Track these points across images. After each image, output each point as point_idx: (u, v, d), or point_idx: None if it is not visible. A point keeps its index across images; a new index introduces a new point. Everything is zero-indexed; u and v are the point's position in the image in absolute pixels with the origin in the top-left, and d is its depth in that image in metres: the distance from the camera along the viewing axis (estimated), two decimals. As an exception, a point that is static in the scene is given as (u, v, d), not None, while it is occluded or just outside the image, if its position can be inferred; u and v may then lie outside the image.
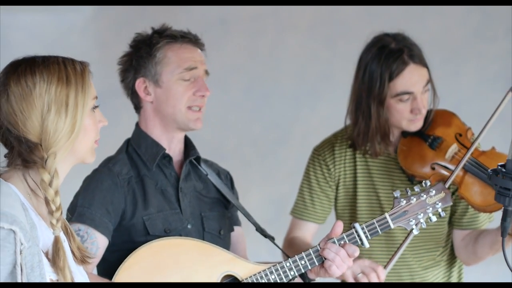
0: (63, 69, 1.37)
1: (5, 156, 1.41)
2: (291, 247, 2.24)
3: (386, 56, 2.13)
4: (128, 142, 2.00)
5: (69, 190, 1.80)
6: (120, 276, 1.76)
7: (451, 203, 1.90)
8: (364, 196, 2.26)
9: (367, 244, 1.81)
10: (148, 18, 3.26)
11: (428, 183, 1.85)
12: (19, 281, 1.27)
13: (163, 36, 1.94)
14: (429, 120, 2.20)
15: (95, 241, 1.81)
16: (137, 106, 1.99)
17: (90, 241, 1.80)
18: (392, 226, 1.83)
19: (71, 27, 3.61)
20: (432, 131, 2.19)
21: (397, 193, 1.84)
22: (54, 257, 1.34)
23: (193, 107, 1.93)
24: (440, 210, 1.84)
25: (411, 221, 1.82)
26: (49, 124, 1.34)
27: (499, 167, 1.49)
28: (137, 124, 2.00)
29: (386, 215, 1.82)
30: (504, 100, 2.04)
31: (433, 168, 2.15)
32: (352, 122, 2.23)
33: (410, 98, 2.14)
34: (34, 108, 1.34)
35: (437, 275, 2.26)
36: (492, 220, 2.25)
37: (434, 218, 1.85)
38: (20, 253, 1.28)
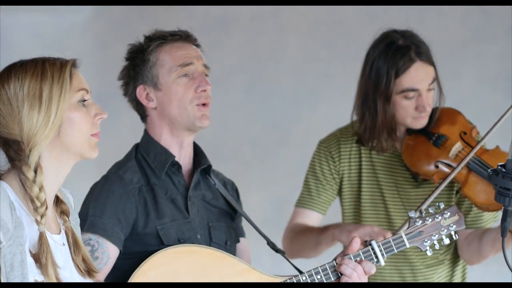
0: (39, 66, 1.38)
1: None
2: (294, 232, 2.23)
3: (393, 53, 2.13)
4: (136, 147, 1.96)
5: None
6: (135, 281, 1.74)
7: (464, 227, 1.90)
8: (368, 192, 2.26)
9: (382, 262, 1.81)
10: (148, 18, 3.27)
11: (442, 205, 1.85)
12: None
13: (153, 39, 1.91)
14: (434, 118, 2.20)
15: (106, 251, 1.77)
16: (143, 115, 1.95)
17: (101, 251, 1.77)
18: (407, 245, 1.83)
19: (71, 27, 3.61)
20: (437, 129, 2.20)
21: (412, 213, 1.85)
22: (39, 253, 1.34)
23: (198, 104, 1.89)
24: (453, 232, 1.85)
25: (426, 241, 1.84)
26: (25, 119, 1.35)
27: (499, 167, 1.49)
28: (146, 131, 1.96)
29: (402, 234, 1.83)
30: (510, 110, 2.05)
31: (436, 166, 2.15)
32: (359, 118, 2.23)
33: (415, 95, 2.14)
34: (10, 108, 1.36)
35: (440, 274, 2.26)
36: (497, 220, 2.25)
37: (446, 241, 1.86)
38: None
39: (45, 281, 1.34)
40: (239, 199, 2.08)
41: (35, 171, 1.36)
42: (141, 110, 1.95)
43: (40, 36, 3.51)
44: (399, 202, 2.23)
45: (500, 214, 2.11)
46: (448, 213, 1.85)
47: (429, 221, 1.83)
